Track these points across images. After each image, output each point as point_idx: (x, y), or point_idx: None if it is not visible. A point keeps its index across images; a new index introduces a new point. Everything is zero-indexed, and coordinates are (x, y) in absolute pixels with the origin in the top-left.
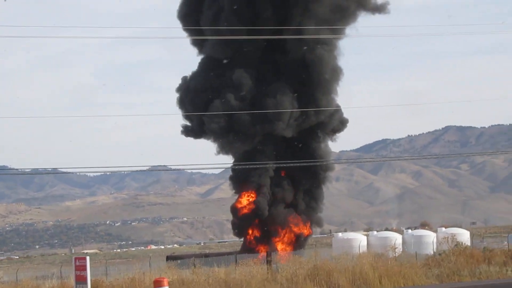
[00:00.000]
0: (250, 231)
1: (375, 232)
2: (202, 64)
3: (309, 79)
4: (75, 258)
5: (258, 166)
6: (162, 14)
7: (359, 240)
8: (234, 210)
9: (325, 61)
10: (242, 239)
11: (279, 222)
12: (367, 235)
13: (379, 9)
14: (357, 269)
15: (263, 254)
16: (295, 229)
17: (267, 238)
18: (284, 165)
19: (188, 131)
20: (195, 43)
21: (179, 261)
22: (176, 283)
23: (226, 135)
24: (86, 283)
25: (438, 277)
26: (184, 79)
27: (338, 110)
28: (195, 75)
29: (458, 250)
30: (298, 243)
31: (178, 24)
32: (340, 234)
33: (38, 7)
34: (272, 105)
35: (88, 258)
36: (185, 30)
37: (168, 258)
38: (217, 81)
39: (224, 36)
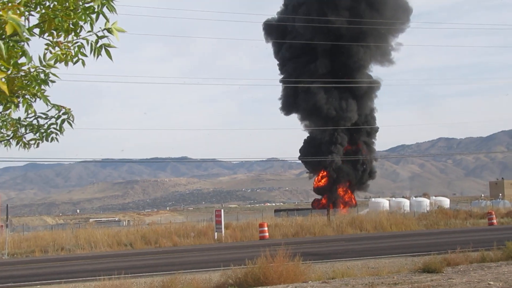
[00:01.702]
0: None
1: (393, 198)
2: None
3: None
4: (215, 210)
5: (325, 158)
6: None
7: (383, 203)
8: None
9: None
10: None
11: (340, 193)
12: (389, 200)
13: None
14: (377, 220)
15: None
16: (347, 198)
17: (334, 201)
18: (346, 158)
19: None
20: None
21: (281, 213)
22: (273, 225)
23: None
24: (221, 224)
25: (425, 225)
26: None
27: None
28: None
29: (438, 210)
30: (351, 204)
31: None
32: (373, 199)
33: None
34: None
35: (222, 210)
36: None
37: (276, 211)
38: None
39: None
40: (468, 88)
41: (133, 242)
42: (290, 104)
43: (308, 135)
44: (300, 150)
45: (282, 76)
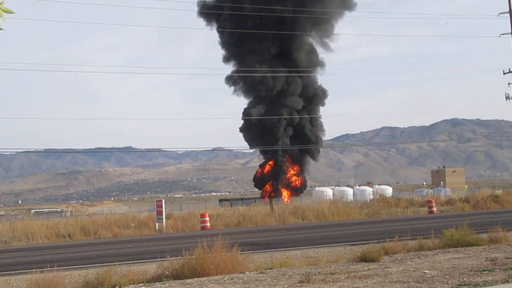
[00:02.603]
0: (267, 185)
1: (337, 187)
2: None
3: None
4: (157, 200)
5: (273, 148)
6: None
7: (327, 192)
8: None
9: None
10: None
11: (285, 180)
12: (333, 189)
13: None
14: (319, 209)
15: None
16: (293, 184)
17: (277, 191)
18: (291, 148)
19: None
20: None
21: (225, 203)
22: (215, 215)
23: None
24: (162, 214)
25: (367, 214)
26: None
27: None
28: None
29: (380, 199)
30: (295, 192)
31: None
32: (317, 188)
33: None
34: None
35: (163, 200)
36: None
37: (220, 200)
38: None
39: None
40: (411, 77)
41: (72, 234)
42: (236, 83)
43: (253, 120)
44: (245, 136)
45: (229, 61)
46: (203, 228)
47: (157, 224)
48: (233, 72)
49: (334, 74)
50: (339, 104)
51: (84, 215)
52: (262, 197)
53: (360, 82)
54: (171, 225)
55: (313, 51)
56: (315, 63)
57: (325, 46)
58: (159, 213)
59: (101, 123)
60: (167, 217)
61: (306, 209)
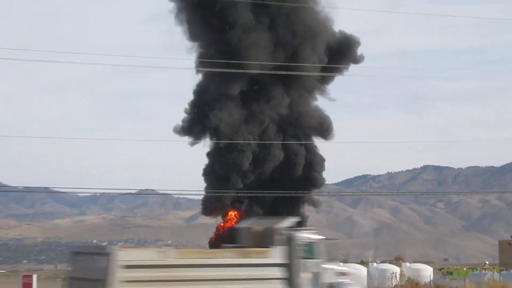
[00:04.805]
0: None
1: (341, 264)
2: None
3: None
4: (23, 276)
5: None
6: None
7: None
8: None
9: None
10: None
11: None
12: (335, 267)
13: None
14: None
15: None
16: None
17: None
18: (267, 194)
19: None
20: None
21: None
22: None
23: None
24: None
25: None
26: None
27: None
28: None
29: (408, 285)
30: None
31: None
32: None
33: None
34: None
35: (35, 276)
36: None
37: None
38: None
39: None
40: (477, 83)
41: None
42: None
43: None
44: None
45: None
46: None
47: None
48: None
49: (347, 75)
50: (352, 124)
51: None
52: None
53: (387, 89)
54: None
55: None
56: None
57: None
58: None
59: None
60: None
61: None
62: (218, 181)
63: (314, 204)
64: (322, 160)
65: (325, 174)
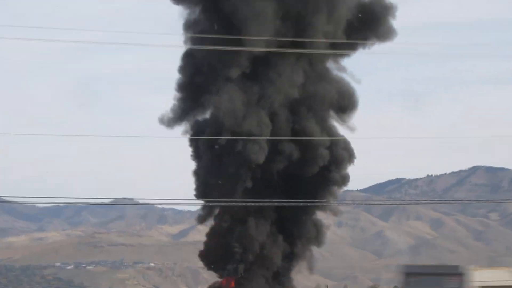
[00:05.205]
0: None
1: None
2: None
3: None
4: None
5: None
6: None
7: None
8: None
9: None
10: None
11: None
12: None
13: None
14: None
15: None
16: None
17: None
18: (274, 204)
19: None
20: None
21: None
22: None
23: None
24: None
25: None
26: None
27: (340, 140)
28: None
29: None
30: None
31: None
32: None
33: None
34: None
35: None
36: None
37: None
38: None
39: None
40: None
41: None
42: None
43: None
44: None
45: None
46: None
47: None
48: None
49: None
50: (382, 115)
51: None
52: None
53: (421, 71)
54: None
55: None
56: None
57: None
58: None
59: None
60: None
61: None
62: (218, 184)
63: (334, 213)
64: (350, 154)
65: (350, 176)
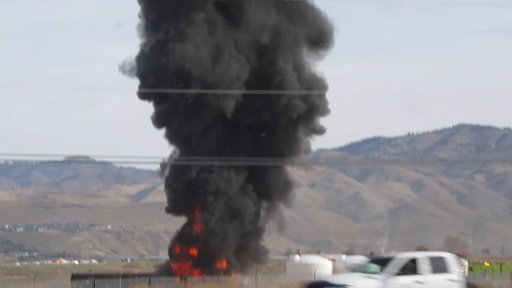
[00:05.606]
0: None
1: (344, 257)
2: None
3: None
4: None
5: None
6: None
7: (320, 265)
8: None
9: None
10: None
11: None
12: (333, 261)
13: None
14: None
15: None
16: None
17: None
18: (245, 163)
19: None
20: None
21: (87, 282)
22: None
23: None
24: None
25: None
26: None
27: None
28: None
29: None
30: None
31: None
32: (297, 257)
33: None
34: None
35: None
36: None
37: (74, 277)
38: None
39: None
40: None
41: None
42: None
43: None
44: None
45: None
46: None
47: None
48: None
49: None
50: (359, 68)
51: None
52: (171, 272)
53: (405, 20)
54: None
55: None
56: None
57: None
58: None
59: None
60: None
61: None
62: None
63: (306, 168)
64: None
65: (322, 138)
